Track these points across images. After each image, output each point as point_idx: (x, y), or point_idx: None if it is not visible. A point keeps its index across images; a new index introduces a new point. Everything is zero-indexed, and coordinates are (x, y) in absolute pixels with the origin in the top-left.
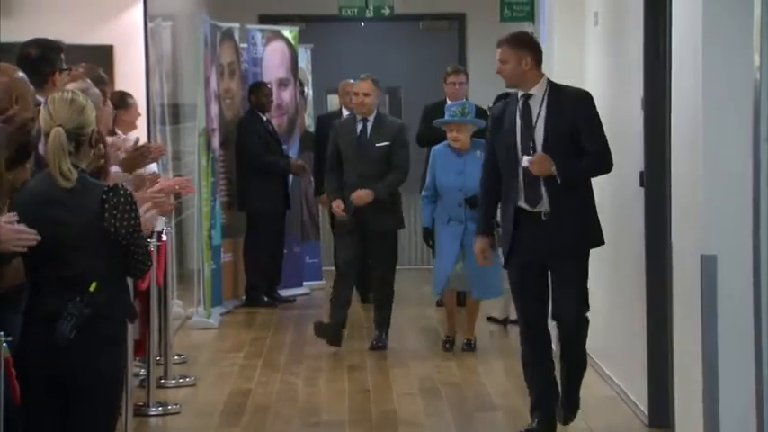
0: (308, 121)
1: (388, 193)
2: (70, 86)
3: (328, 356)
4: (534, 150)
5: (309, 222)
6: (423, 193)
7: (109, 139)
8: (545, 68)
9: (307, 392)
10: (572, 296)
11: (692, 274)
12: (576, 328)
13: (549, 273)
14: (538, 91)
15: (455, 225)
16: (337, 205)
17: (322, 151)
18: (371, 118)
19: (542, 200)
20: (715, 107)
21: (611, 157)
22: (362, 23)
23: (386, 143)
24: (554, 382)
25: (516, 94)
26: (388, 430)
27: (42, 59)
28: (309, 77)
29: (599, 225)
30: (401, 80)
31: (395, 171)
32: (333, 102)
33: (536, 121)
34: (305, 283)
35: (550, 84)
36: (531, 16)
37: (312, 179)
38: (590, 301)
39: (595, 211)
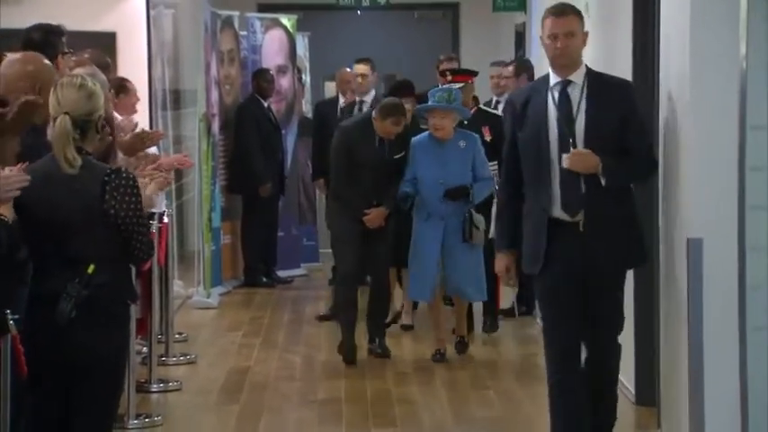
0: (306, 107)
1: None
2: (77, 71)
3: (325, 336)
4: (574, 147)
5: (306, 206)
6: (402, 186)
7: (117, 119)
8: (539, 58)
9: (304, 371)
10: (606, 323)
11: (678, 256)
12: (608, 359)
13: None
14: (578, 78)
15: (435, 221)
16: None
17: (319, 137)
18: None
19: (583, 207)
20: (702, 95)
21: (656, 162)
22: (359, 12)
23: (401, 155)
24: (586, 420)
25: (543, 81)
26: (383, 408)
27: (45, 43)
28: (307, 65)
29: (642, 240)
30: (397, 67)
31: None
32: (330, 88)
33: (576, 114)
34: (302, 264)
35: (589, 70)
36: (522, 6)
37: (309, 164)
38: None
39: (640, 222)
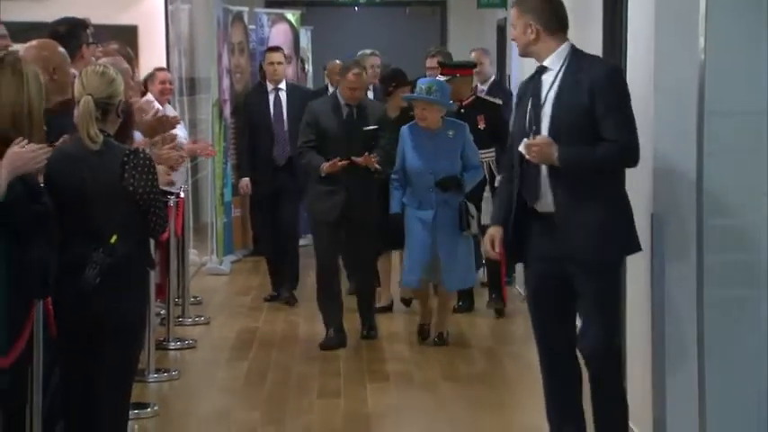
0: None
1: (380, 162)
2: (102, 61)
3: None
4: (538, 135)
5: None
6: (392, 176)
7: (139, 102)
8: (515, 59)
9: (306, 331)
10: (594, 321)
11: (642, 231)
12: (600, 363)
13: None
14: (553, 63)
15: (426, 211)
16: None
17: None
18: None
19: (541, 197)
20: (665, 84)
21: (635, 149)
22: (356, 9)
23: (373, 126)
24: (583, 426)
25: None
26: (377, 364)
27: (70, 35)
28: (309, 55)
29: (629, 228)
30: (389, 59)
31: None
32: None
33: (544, 100)
34: (305, 234)
35: (573, 54)
36: (504, 3)
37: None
38: None
39: (624, 211)
